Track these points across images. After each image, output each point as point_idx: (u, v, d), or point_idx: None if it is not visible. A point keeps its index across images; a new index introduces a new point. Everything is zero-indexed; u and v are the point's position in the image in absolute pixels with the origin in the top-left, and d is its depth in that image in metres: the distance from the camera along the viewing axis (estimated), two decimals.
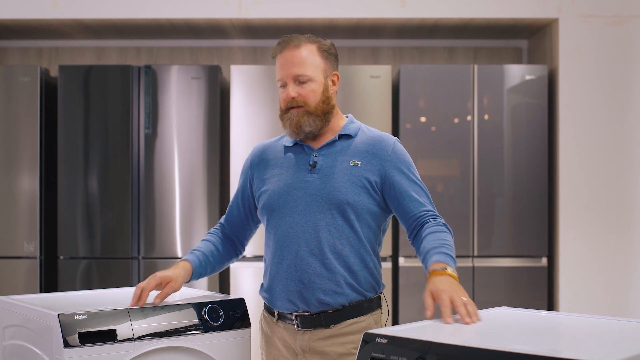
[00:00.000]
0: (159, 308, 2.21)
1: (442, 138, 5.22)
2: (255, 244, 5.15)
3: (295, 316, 2.53)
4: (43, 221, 5.23)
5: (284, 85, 2.58)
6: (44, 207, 5.24)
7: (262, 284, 2.66)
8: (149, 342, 2.14)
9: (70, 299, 2.51)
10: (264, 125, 5.20)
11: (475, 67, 5.20)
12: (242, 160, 5.15)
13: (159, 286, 2.39)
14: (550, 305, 5.27)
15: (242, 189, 2.75)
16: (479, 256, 5.16)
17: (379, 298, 2.61)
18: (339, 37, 5.88)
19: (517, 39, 5.96)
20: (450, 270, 2.32)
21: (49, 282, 5.30)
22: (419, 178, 2.60)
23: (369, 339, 1.77)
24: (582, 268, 5.13)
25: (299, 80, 2.54)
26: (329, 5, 5.24)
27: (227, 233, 2.79)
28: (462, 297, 2.17)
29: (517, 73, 5.22)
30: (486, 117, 5.19)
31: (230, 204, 2.80)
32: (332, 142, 2.60)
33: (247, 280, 5.15)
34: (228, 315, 2.29)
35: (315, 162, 2.57)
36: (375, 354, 1.73)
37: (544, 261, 5.18)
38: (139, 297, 2.30)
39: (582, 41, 5.18)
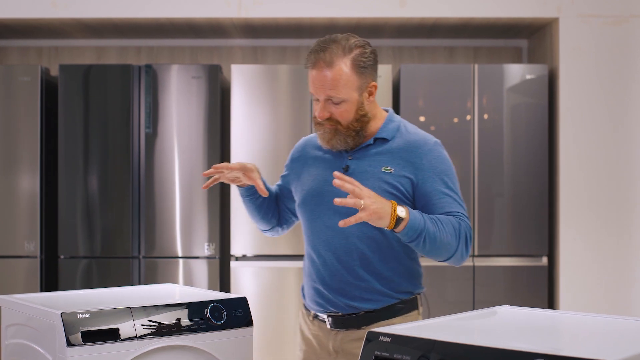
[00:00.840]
0: (161, 306, 2.21)
1: (442, 138, 5.17)
2: (256, 243, 5.15)
3: (327, 316, 2.52)
4: (43, 220, 5.23)
5: (317, 100, 2.46)
6: (44, 206, 5.24)
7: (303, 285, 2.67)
8: (152, 341, 2.14)
9: (73, 297, 2.51)
10: (264, 124, 5.20)
11: (476, 66, 5.21)
12: (242, 159, 5.17)
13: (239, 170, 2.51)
14: (551, 305, 5.27)
15: (283, 182, 2.75)
16: (479, 255, 5.16)
17: (416, 299, 2.55)
18: None
19: (517, 38, 5.97)
20: (401, 209, 2.26)
21: (50, 282, 5.30)
22: (454, 187, 2.48)
23: (372, 338, 1.77)
24: (583, 267, 5.14)
25: (332, 102, 2.43)
26: (329, 4, 5.24)
27: (278, 195, 2.79)
28: (363, 201, 2.18)
29: (517, 73, 5.22)
30: (486, 116, 5.20)
31: (280, 180, 2.79)
32: (366, 146, 2.51)
33: (247, 279, 5.16)
34: (230, 314, 2.29)
35: (347, 167, 2.50)
36: (378, 353, 1.73)
37: (545, 260, 5.19)
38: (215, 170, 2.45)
39: (582, 41, 5.18)
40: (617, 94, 5.17)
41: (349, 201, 2.20)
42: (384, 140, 2.51)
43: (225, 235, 5.49)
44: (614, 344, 1.78)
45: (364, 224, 2.40)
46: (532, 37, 5.83)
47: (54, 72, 5.66)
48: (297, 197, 2.62)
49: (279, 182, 2.79)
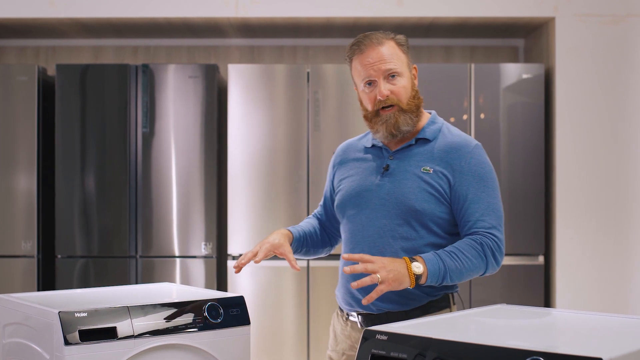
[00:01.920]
0: (159, 305, 2.21)
1: None
2: (252, 242, 5.15)
3: (357, 314, 2.52)
4: (40, 220, 5.24)
5: (370, 83, 2.49)
6: (41, 206, 5.25)
7: None
8: (149, 340, 2.14)
9: (70, 296, 2.51)
10: (261, 124, 5.21)
11: (472, 66, 5.21)
12: (239, 158, 5.18)
13: (272, 253, 2.47)
14: (547, 304, 5.28)
15: (329, 189, 2.75)
16: None
17: (448, 298, 2.51)
18: (336, 37, 5.89)
19: (513, 38, 5.98)
20: (416, 265, 2.28)
21: (47, 281, 5.30)
22: (491, 191, 2.46)
23: (368, 336, 1.78)
24: (579, 266, 5.15)
25: (390, 77, 2.47)
26: (326, 4, 5.25)
27: (323, 222, 2.78)
28: (379, 275, 2.21)
29: (513, 72, 5.23)
30: (482, 116, 5.20)
31: (323, 199, 2.80)
32: (408, 146, 2.52)
33: (244, 279, 5.16)
34: (228, 312, 2.29)
35: (387, 166, 2.51)
36: (375, 351, 1.74)
37: (541, 259, 5.20)
38: (253, 255, 2.41)
39: (578, 40, 5.19)
40: (614, 93, 5.18)
41: (366, 280, 2.22)
42: (426, 140, 2.52)
43: (222, 234, 5.50)
44: (610, 341, 1.79)
45: (398, 223, 2.44)
46: (529, 37, 5.84)
47: (51, 71, 5.67)
48: (337, 198, 2.62)
49: (321, 202, 2.81)
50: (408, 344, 1.71)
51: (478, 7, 5.24)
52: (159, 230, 5.19)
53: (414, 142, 2.52)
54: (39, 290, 5.17)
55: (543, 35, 5.47)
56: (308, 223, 2.75)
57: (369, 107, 2.52)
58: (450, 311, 2.51)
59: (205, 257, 5.20)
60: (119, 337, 2.10)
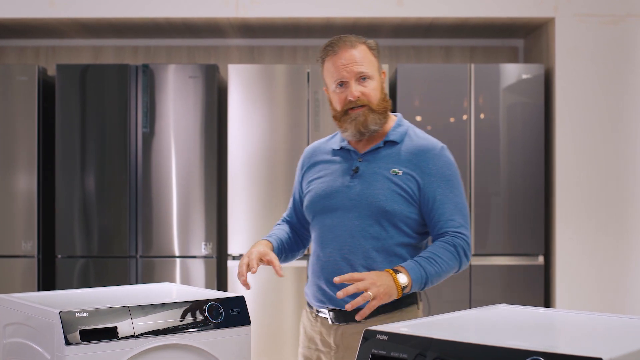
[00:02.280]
0: (159, 305, 2.21)
1: (439, 137, 5.19)
2: (252, 242, 5.15)
3: (329, 310, 2.58)
4: (41, 220, 5.24)
5: (341, 85, 2.57)
6: (41, 206, 5.25)
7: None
8: (150, 340, 2.14)
9: (71, 296, 2.51)
10: (261, 124, 5.21)
11: (472, 66, 5.22)
12: (239, 158, 5.18)
13: (260, 262, 2.49)
14: (547, 304, 5.29)
15: (297, 191, 2.79)
16: (475, 255, 5.18)
17: (415, 294, 2.61)
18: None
19: (513, 38, 5.98)
20: (401, 276, 2.36)
21: (47, 281, 5.31)
22: (458, 192, 2.56)
23: (369, 336, 1.78)
24: (579, 266, 5.15)
25: (361, 79, 2.55)
26: (326, 4, 5.25)
27: (293, 224, 2.83)
28: (370, 291, 2.26)
29: (513, 72, 5.24)
30: (482, 116, 5.21)
31: (292, 201, 2.83)
32: (376, 149, 2.60)
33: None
34: (228, 312, 2.30)
35: (357, 168, 2.58)
36: (375, 351, 1.74)
37: (541, 259, 5.20)
38: (248, 268, 2.45)
39: (578, 40, 5.20)
40: (613, 93, 5.18)
41: (359, 300, 2.28)
42: (393, 143, 2.60)
43: (222, 234, 5.50)
44: (610, 341, 1.79)
45: (369, 223, 2.51)
46: (529, 37, 5.84)
47: (51, 71, 5.67)
48: (307, 199, 2.67)
49: (290, 204, 2.84)
50: (408, 344, 1.71)
51: (478, 7, 5.24)
52: (159, 230, 5.19)
53: (382, 145, 2.59)
54: (39, 290, 5.18)
55: (543, 35, 5.47)
56: (280, 230, 2.79)
57: (339, 107, 2.59)
58: (417, 306, 2.61)
59: (205, 257, 5.21)
60: (120, 337, 2.10)
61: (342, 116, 2.58)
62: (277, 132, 5.21)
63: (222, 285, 5.43)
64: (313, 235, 2.66)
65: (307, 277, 2.70)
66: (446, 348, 1.66)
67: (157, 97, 5.21)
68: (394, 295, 2.34)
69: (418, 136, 2.62)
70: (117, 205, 5.19)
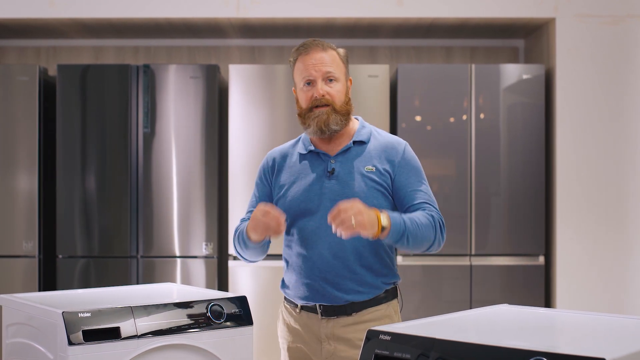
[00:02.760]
0: (162, 306, 2.22)
1: (439, 137, 5.24)
2: None
3: (319, 305, 2.65)
4: (41, 220, 5.24)
5: (310, 83, 2.67)
6: (42, 206, 5.25)
7: (282, 281, 2.78)
8: (152, 340, 2.15)
9: (73, 297, 2.52)
10: (262, 124, 5.21)
11: (472, 66, 5.22)
12: (240, 158, 5.18)
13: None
14: (548, 304, 5.29)
15: (261, 194, 2.82)
16: (476, 255, 5.18)
17: (396, 289, 2.74)
18: (336, 37, 5.90)
19: (513, 38, 5.98)
20: (384, 218, 2.46)
21: (48, 281, 5.31)
22: (425, 182, 2.73)
23: (372, 336, 1.79)
24: (579, 266, 5.16)
25: (328, 79, 2.67)
26: (327, 4, 5.25)
27: None
28: (353, 218, 2.37)
29: (513, 72, 5.24)
30: (482, 116, 5.21)
31: (249, 207, 2.84)
32: (347, 149, 2.71)
33: (245, 279, 5.17)
34: (230, 312, 2.30)
35: (333, 169, 2.68)
36: (379, 351, 1.75)
37: (541, 260, 5.20)
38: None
39: (578, 41, 5.20)
40: (613, 93, 5.19)
41: (341, 222, 2.39)
42: (362, 142, 2.73)
43: (223, 234, 5.50)
44: (612, 342, 1.80)
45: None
46: (529, 37, 5.85)
47: (52, 72, 5.67)
48: (282, 204, 2.71)
49: (249, 209, 2.84)
50: (411, 344, 1.72)
51: (478, 7, 5.25)
52: (160, 230, 5.20)
53: (352, 145, 2.72)
54: (40, 290, 5.18)
55: (543, 35, 5.48)
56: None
57: (304, 105, 2.70)
58: (397, 301, 2.74)
59: (206, 257, 5.21)
60: (123, 337, 2.11)
61: (306, 113, 2.69)
62: (278, 132, 5.22)
63: (223, 285, 5.43)
64: (293, 238, 2.71)
65: (287, 279, 2.74)
66: (449, 348, 1.67)
67: (158, 97, 5.22)
68: (373, 231, 2.43)
69: (381, 135, 2.77)
70: (118, 206, 5.19)
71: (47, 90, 5.33)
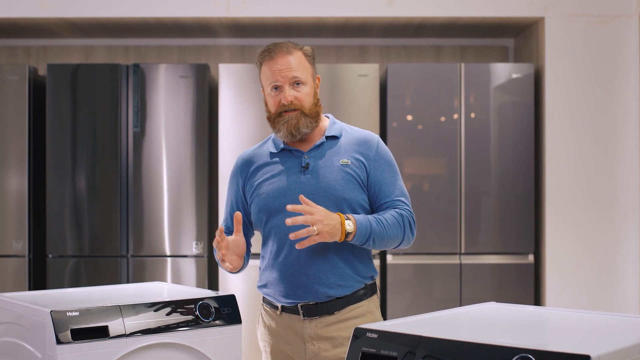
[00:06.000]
0: (150, 304, 2.22)
1: (429, 136, 5.25)
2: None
3: (301, 306, 2.63)
4: (31, 220, 5.23)
5: (276, 88, 2.66)
6: (32, 205, 5.24)
7: (259, 280, 2.76)
8: (141, 339, 2.15)
9: (62, 296, 2.52)
10: (252, 123, 5.22)
11: (462, 65, 5.23)
12: (231, 158, 5.18)
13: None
14: (537, 302, 5.31)
15: (235, 199, 2.81)
16: (466, 253, 5.19)
17: (374, 284, 2.74)
18: (327, 36, 5.90)
19: (503, 37, 6.00)
20: (349, 223, 2.50)
21: (38, 281, 5.30)
22: (398, 176, 2.74)
23: (359, 334, 1.79)
24: (569, 265, 5.17)
25: (295, 84, 2.66)
26: (317, 4, 5.26)
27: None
28: (315, 227, 2.42)
29: (503, 72, 5.25)
30: (473, 115, 5.22)
31: (228, 211, 2.84)
32: (320, 144, 2.71)
33: (235, 278, 5.17)
34: (219, 311, 2.31)
35: (307, 164, 2.67)
36: (365, 349, 1.75)
37: (531, 258, 5.22)
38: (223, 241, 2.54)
39: (568, 40, 5.22)
40: (603, 93, 5.20)
41: (302, 232, 2.44)
42: (334, 137, 2.73)
43: (213, 234, 5.50)
44: (598, 339, 1.80)
45: (332, 211, 2.59)
46: (519, 37, 5.86)
47: (42, 71, 5.66)
48: (257, 202, 2.70)
49: (225, 216, 2.84)
50: (398, 342, 1.73)
51: (468, 7, 5.26)
52: (150, 229, 5.20)
53: (325, 140, 2.72)
54: (29, 290, 5.17)
55: (533, 35, 5.49)
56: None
57: (273, 110, 2.70)
58: (377, 296, 2.75)
59: (196, 256, 5.21)
60: (111, 336, 2.11)
61: (275, 118, 2.68)
62: (268, 131, 5.19)
63: (213, 284, 5.43)
64: (270, 236, 2.69)
65: (265, 277, 2.72)
66: (436, 346, 1.67)
67: (148, 96, 5.21)
68: (337, 237, 2.48)
69: (353, 129, 2.77)
70: (108, 205, 5.19)
71: (37, 90, 5.32)
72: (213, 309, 2.30)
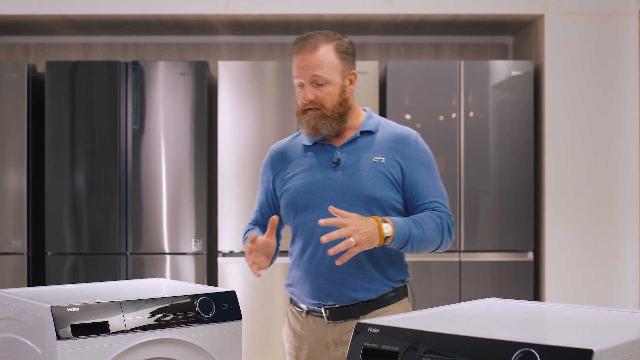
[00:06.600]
0: (151, 300, 2.22)
1: (428, 134, 5.24)
2: (240, 240, 5.15)
3: (325, 309, 2.55)
4: (30, 217, 5.22)
5: (301, 85, 2.58)
6: (31, 203, 5.23)
7: (287, 279, 2.68)
8: (141, 334, 2.15)
9: (62, 292, 2.52)
10: (251, 121, 5.21)
11: (461, 63, 5.23)
12: (229, 155, 5.18)
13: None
14: (537, 299, 5.30)
15: (265, 191, 2.74)
16: (465, 251, 5.19)
17: (406, 287, 2.65)
18: None
19: (502, 35, 6.00)
20: (387, 226, 2.38)
21: (37, 278, 5.30)
22: (437, 176, 2.61)
23: (360, 330, 1.79)
24: (568, 262, 5.17)
25: (316, 83, 2.55)
26: (315, 1, 5.25)
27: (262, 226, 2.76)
28: (352, 238, 2.29)
29: (502, 69, 5.25)
30: (472, 113, 5.22)
31: (258, 204, 2.77)
32: (354, 139, 2.60)
33: (234, 275, 5.17)
34: (220, 307, 2.30)
35: (339, 160, 2.57)
36: (367, 344, 1.75)
37: (530, 256, 5.22)
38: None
39: (567, 38, 5.21)
40: (602, 90, 5.20)
41: (341, 246, 2.30)
42: (370, 133, 2.61)
43: (212, 231, 5.50)
44: (600, 334, 1.80)
45: (359, 211, 2.48)
46: (518, 34, 5.86)
47: (41, 68, 5.65)
48: (285, 197, 2.63)
49: (256, 208, 2.78)
50: (399, 337, 1.72)
51: (467, 4, 5.25)
52: (149, 227, 5.19)
53: (359, 135, 2.61)
54: (28, 287, 5.16)
55: (532, 32, 5.49)
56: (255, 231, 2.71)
57: (299, 105, 2.61)
58: (408, 300, 2.64)
59: (195, 253, 5.20)
60: (111, 331, 2.10)
61: (300, 114, 2.60)
62: (267, 129, 5.22)
63: (212, 282, 5.43)
64: (298, 233, 2.62)
65: (292, 276, 2.65)
66: (437, 340, 1.67)
67: (147, 94, 5.21)
68: (376, 243, 2.36)
69: (391, 125, 2.66)
70: (107, 202, 5.18)
71: (36, 87, 5.31)
72: (213, 305, 2.29)
